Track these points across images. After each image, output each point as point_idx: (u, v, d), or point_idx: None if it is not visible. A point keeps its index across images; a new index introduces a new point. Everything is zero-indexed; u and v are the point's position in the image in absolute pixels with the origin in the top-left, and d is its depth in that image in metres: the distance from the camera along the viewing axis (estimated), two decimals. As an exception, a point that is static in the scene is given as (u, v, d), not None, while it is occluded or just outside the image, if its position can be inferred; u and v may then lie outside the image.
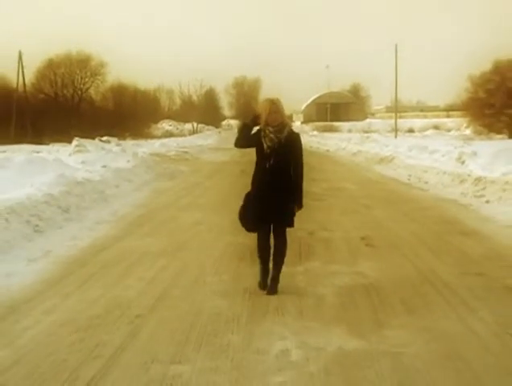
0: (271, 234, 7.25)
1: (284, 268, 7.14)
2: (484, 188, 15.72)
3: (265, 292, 7.22)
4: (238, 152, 6.51)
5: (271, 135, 6.95)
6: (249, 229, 7.29)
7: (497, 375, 5.05)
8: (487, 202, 14.54)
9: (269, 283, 7.26)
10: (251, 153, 7.24)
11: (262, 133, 6.98)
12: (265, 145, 6.95)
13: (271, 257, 7.30)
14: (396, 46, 59.45)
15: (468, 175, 17.81)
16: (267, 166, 6.97)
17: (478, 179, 16.70)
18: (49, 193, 13.04)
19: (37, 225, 11.03)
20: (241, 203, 7.21)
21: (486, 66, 64.60)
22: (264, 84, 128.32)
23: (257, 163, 7.14)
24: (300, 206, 7.12)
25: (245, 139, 7.09)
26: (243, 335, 5.98)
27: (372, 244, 10.13)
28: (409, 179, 21.02)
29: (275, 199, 6.96)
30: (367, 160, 31.60)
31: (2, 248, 9.29)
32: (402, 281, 7.83)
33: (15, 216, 10.67)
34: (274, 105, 6.97)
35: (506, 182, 14.92)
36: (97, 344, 5.78)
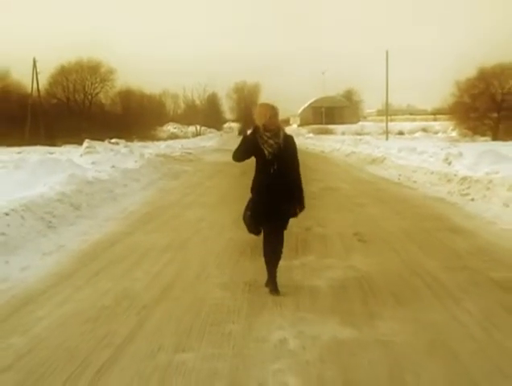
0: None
1: (282, 262, 7.10)
2: (469, 187, 15.71)
3: (267, 288, 7.10)
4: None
5: (270, 141, 6.76)
6: (252, 231, 7.11)
7: (480, 360, 5.06)
8: (472, 200, 14.54)
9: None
10: (251, 154, 7.21)
11: (260, 140, 6.76)
12: (266, 152, 6.73)
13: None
14: (387, 53, 59.39)
15: (455, 175, 17.80)
16: (271, 171, 6.76)
17: (464, 179, 16.69)
18: (61, 191, 13.04)
19: (50, 222, 11.03)
20: (241, 202, 7.12)
21: (471, 72, 64.75)
22: (263, 88, 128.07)
23: (258, 169, 6.91)
24: (302, 207, 6.98)
25: (244, 152, 6.84)
26: (243, 325, 6.00)
27: (364, 239, 10.13)
28: (399, 179, 21.01)
29: (279, 202, 6.80)
30: (360, 161, 31.57)
31: (17, 243, 9.29)
32: (393, 275, 7.84)
33: (30, 213, 10.67)
34: (274, 110, 6.84)
35: (490, 182, 14.90)
36: (107, 333, 5.79)
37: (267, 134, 6.76)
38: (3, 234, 9.29)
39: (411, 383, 4.68)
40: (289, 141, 6.90)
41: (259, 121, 6.78)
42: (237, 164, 7.02)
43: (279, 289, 7.00)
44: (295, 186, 6.91)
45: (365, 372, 4.89)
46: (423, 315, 6.21)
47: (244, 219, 7.07)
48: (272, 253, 7.02)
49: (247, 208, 7.02)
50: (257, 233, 7.10)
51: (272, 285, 7.04)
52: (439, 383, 4.68)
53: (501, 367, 4.96)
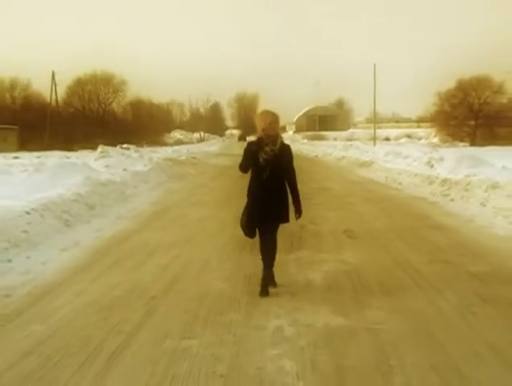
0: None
1: (278, 257, 7.06)
2: (449, 188, 15.72)
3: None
4: (239, 158, 6.45)
5: (266, 148, 6.50)
6: (247, 235, 6.81)
7: (459, 346, 5.07)
8: (452, 200, 14.54)
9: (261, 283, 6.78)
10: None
11: (259, 145, 6.53)
12: (260, 158, 6.50)
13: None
14: (374, 66, 59.52)
15: (436, 177, 17.81)
16: (264, 177, 6.54)
17: (444, 181, 16.70)
18: (77, 192, 13.04)
19: (67, 220, 11.03)
20: (242, 202, 7.04)
21: (451, 84, 64.87)
22: (262, 98, 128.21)
23: (252, 175, 6.68)
24: (300, 213, 6.73)
25: (247, 162, 6.58)
26: (243, 314, 6.00)
27: (354, 236, 10.13)
28: (386, 180, 21.00)
29: (271, 206, 6.57)
30: (350, 164, 31.57)
31: (38, 239, 9.29)
32: (380, 268, 7.84)
33: (49, 212, 10.67)
34: (274, 116, 6.62)
35: (468, 184, 14.91)
36: (119, 322, 5.79)
37: (266, 141, 6.54)
38: (25, 231, 9.30)
39: (396, 367, 4.68)
40: (285, 149, 6.63)
41: (259, 126, 6.55)
42: (238, 167, 6.86)
43: (275, 279, 6.93)
44: (292, 194, 6.70)
45: (355, 357, 4.89)
46: (407, 304, 6.21)
47: (241, 223, 6.85)
48: (266, 254, 6.80)
49: (243, 213, 6.84)
50: (252, 236, 6.83)
51: (267, 281, 6.78)
52: (422, 367, 4.68)
53: (478, 351, 4.96)
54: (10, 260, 8.14)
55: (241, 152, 6.68)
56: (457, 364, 4.71)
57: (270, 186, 6.57)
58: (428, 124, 74.13)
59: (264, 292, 6.67)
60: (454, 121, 62.63)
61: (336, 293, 6.72)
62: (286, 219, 6.73)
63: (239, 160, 6.64)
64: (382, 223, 11.40)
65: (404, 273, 7.56)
